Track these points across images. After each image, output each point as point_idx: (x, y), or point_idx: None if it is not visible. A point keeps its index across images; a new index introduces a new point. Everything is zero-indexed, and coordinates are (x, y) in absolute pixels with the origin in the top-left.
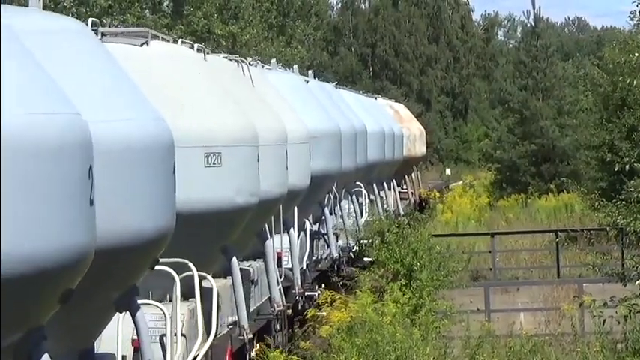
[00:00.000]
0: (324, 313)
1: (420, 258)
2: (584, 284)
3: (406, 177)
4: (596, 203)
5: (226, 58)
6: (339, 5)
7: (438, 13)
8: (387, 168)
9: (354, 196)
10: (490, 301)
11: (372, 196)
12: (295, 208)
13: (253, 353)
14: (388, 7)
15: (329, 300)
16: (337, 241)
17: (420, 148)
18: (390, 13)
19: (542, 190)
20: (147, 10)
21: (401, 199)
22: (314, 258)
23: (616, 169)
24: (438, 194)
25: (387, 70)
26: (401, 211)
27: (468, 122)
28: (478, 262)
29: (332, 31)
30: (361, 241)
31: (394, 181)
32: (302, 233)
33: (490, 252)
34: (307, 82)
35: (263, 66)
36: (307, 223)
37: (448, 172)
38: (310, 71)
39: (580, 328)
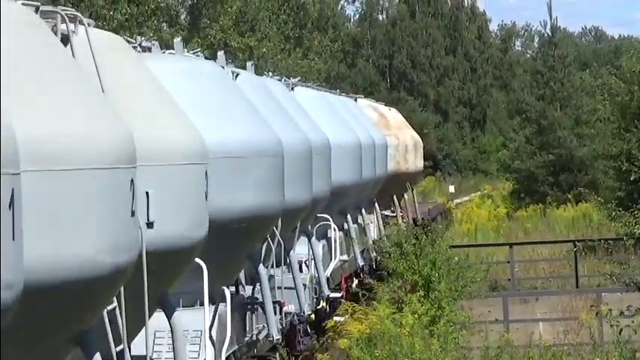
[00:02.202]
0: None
1: (438, 269)
2: (602, 294)
3: (395, 198)
4: (614, 213)
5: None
6: (357, 17)
7: (455, 24)
8: (366, 189)
9: (313, 238)
10: (509, 312)
11: (346, 225)
12: (204, 272)
13: None
14: (405, 18)
15: (349, 311)
16: (280, 312)
17: (414, 162)
18: (407, 24)
19: (561, 199)
20: (164, 24)
21: (388, 224)
22: (247, 339)
23: (632, 178)
24: (453, 205)
25: (404, 82)
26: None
27: (485, 132)
28: (496, 273)
29: (350, 43)
30: (329, 297)
31: (376, 204)
32: (222, 307)
33: (509, 262)
34: (236, 75)
35: (152, 44)
36: (226, 291)
37: (452, 188)
38: (249, 63)
39: (599, 338)
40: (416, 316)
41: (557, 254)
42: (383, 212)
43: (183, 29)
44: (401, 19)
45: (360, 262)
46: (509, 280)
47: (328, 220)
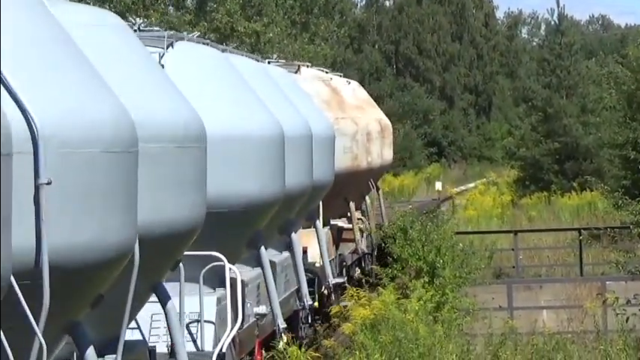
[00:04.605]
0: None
1: (442, 255)
2: (607, 282)
3: (352, 204)
4: (620, 201)
5: None
6: (363, 2)
7: (461, 10)
8: (298, 200)
9: (170, 303)
10: (513, 299)
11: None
12: None
13: None
14: (412, 4)
15: (354, 296)
16: None
17: (379, 153)
18: (413, 10)
19: (566, 188)
20: (170, 7)
21: (342, 240)
22: None
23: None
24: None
25: (410, 68)
26: (330, 274)
27: (491, 120)
28: (501, 260)
29: (356, 29)
30: None
31: (318, 220)
32: None
33: (513, 250)
34: None
35: None
36: None
37: (438, 185)
38: None
39: (603, 326)
40: (420, 302)
41: (561, 242)
42: (336, 224)
43: (190, 13)
44: (407, 5)
45: (280, 322)
46: (513, 267)
47: (220, 260)
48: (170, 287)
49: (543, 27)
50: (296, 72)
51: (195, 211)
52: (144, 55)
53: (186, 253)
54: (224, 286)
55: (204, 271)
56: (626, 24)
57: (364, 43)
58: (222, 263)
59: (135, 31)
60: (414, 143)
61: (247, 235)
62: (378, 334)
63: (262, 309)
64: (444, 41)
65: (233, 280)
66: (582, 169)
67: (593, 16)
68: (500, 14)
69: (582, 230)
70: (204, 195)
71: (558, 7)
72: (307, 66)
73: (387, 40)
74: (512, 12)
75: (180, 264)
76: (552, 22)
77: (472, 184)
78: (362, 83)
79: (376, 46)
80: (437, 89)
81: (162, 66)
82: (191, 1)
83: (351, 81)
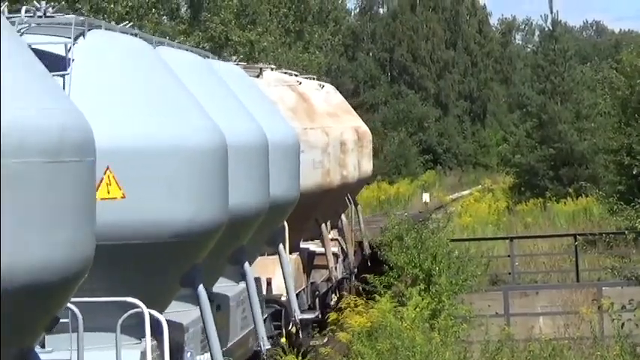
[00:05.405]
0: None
1: (438, 263)
2: (603, 288)
3: (324, 225)
4: (615, 207)
5: None
6: (357, 10)
7: (455, 17)
8: (249, 224)
9: None
10: (509, 306)
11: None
12: None
13: None
14: (406, 12)
15: (351, 304)
16: None
17: (356, 165)
18: (407, 17)
19: (561, 194)
20: (165, 17)
21: (313, 267)
22: None
23: (634, 173)
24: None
25: (405, 75)
26: (296, 309)
27: (486, 126)
28: (497, 267)
29: (350, 37)
30: None
31: (282, 244)
32: None
33: (509, 256)
34: None
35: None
36: None
37: (426, 197)
38: None
39: (599, 332)
40: (417, 309)
41: (557, 248)
42: (307, 248)
43: (184, 22)
44: (401, 12)
45: None
46: (509, 274)
47: (138, 307)
48: (91, 338)
49: (537, 33)
50: (258, 76)
51: (77, 251)
52: (7, 39)
53: (89, 300)
54: (153, 336)
55: (122, 319)
56: (620, 29)
57: (358, 50)
58: (139, 310)
59: (40, 17)
60: (409, 151)
61: (181, 271)
62: (375, 342)
63: (207, 357)
64: (438, 48)
65: (162, 328)
66: (577, 175)
67: (587, 21)
68: (494, 21)
69: (578, 236)
70: (90, 228)
71: (552, 12)
72: (272, 69)
73: (382, 47)
74: (506, 18)
75: (77, 313)
76: (546, 28)
77: (467, 191)
78: (356, 91)
79: (370, 54)
80: (431, 96)
81: (71, 59)
82: (185, 10)
83: (325, 84)
